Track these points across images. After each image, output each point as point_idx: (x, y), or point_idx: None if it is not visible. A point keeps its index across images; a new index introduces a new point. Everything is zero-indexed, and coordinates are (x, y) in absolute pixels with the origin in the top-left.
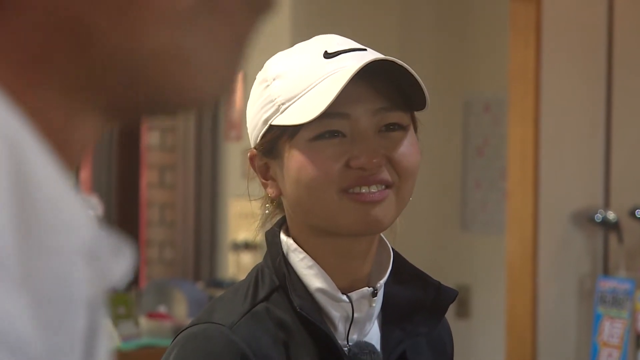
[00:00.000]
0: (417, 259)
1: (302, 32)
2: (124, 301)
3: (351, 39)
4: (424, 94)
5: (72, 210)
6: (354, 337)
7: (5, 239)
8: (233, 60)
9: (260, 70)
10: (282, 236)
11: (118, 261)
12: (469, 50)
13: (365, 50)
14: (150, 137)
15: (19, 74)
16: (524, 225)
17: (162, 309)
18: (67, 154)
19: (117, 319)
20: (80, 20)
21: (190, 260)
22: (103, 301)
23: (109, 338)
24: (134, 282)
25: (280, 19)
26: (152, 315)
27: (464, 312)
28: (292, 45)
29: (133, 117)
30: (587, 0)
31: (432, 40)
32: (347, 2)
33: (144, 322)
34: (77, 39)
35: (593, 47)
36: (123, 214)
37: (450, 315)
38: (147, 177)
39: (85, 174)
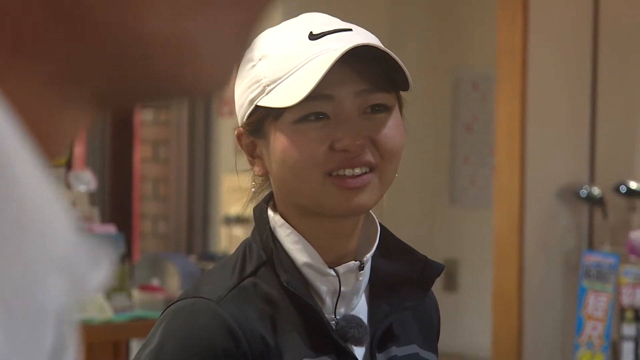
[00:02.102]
0: (406, 233)
1: (292, 11)
2: (118, 274)
3: (342, 17)
4: (406, 75)
5: (52, 216)
6: (341, 310)
7: None
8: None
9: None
10: (270, 212)
11: (95, 270)
12: (458, 28)
13: (351, 30)
14: (144, 113)
15: (2, 59)
16: (511, 200)
17: (155, 282)
18: (51, 144)
19: (110, 291)
20: None
21: (183, 234)
22: (74, 312)
23: (77, 352)
24: (128, 255)
25: None
26: (145, 287)
27: (451, 286)
28: (282, 20)
29: (127, 105)
30: None
31: (422, 18)
32: None
33: (137, 294)
34: (69, 18)
35: (579, 24)
36: (117, 189)
37: (438, 288)
38: (141, 152)
39: (79, 149)
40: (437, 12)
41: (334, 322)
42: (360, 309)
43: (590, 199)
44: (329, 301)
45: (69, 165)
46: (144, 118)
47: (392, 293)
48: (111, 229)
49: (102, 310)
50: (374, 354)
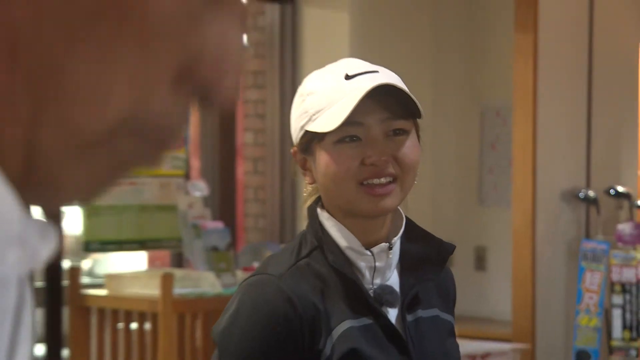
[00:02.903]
0: (447, 226)
1: (356, 53)
2: (225, 259)
3: (393, 59)
4: (418, 107)
5: (3, 206)
6: (377, 281)
7: None
8: (95, 192)
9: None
10: (319, 210)
11: (44, 244)
12: (484, 70)
13: (377, 72)
14: (246, 137)
15: None
16: (525, 201)
17: (255, 264)
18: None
19: (219, 271)
20: (9, 96)
21: (277, 228)
22: (29, 278)
23: (32, 307)
24: (233, 244)
25: (339, 40)
26: (246, 269)
27: (481, 267)
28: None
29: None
30: (571, 35)
31: (458, 62)
32: (388, 34)
33: (239, 274)
34: None
35: (577, 68)
36: (225, 194)
37: (471, 268)
38: (244, 167)
39: (195, 164)
40: (469, 58)
41: (371, 290)
42: (393, 281)
43: (587, 200)
44: (367, 275)
45: (187, 177)
46: (246, 140)
47: (416, 268)
48: (220, 225)
49: (213, 286)
50: (404, 315)
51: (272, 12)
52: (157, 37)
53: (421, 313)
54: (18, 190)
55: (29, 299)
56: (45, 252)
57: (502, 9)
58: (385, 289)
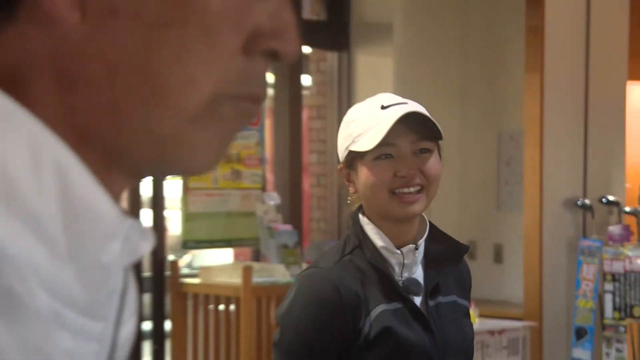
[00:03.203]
0: (471, 228)
1: (398, 90)
2: (293, 254)
3: (428, 95)
4: (440, 130)
5: (103, 208)
6: (405, 275)
7: (55, 227)
8: (221, 151)
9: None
10: (360, 215)
11: (144, 242)
12: (501, 103)
13: (407, 103)
14: (311, 157)
15: (74, 136)
16: (534, 207)
17: None
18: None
19: (288, 264)
20: (117, 107)
21: (335, 229)
22: (132, 267)
23: (137, 292)
24: (300, 243)
25: (384, 80)
26: (310, 262)
27: (499, 260)
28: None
29: (144, 177)
30: (570, 74)
31: (480, 97)
32: (423, 75)
33: (305, 266)
34: (113, 120)
35: (575, 101)
36: (294, 203)
37: (490, 262)
38: (309, 181)
39: (270, 178)
40: (488, 93)
41: (400, 282)
42: (418, 274)
43: (584, 207)
44: (397, 269)
45: (263, 189)
46: (311, 160)
47: (437, 264)
48: (289, 227)
49: (284, 276)
50: (427, 301)
51: (332, 58)
52: (216, 27)
53: (441, 299)
54: (156, 170)
55: (132, 285)
56: (144, 248)
57: (516, 53)
58: (412, 281)
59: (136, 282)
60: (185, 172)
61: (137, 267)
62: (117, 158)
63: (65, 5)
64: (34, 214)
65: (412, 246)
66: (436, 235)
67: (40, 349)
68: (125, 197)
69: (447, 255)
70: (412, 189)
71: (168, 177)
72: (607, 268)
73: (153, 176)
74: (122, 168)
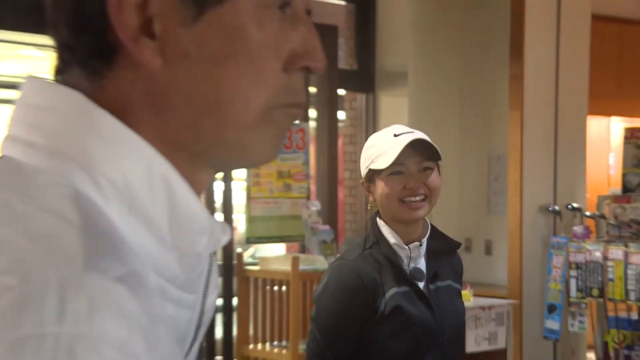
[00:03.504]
0: (467, 228)
1: (412, 123)
2: (330, 248)
3: (435, 125)
4: (439, 153)
5: (197, 211)
6: (412, 265)
7: (163, 221)
8: (276, 146)
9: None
10: (377, 219)
11: (224, 235)
12: (491, 132)
13: (413, 132)
14: (345, 174)
15: (151, 138)
16: (516, 212)
17: None
18: (195, 190)
19: (326, 256)
20: (195, 124)
21: (362, 228)
22: (216, 254)
23: (217, 273)
24: (335, 239)
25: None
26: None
27: (489, 252)
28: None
29: (222, 171)
30: (544, 110)
31: (474, 127)
32: (431, 110)
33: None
34: (193, 134)
35: (548, 132)
36: (331, 209)
37: (482, 254)
38: (343, 192)
39: (313, 189)
40: (481, 124)
41: (408, 270)
42: (422, 264)
43: (554, 212)
44: (406, 261)
45: (308, 198)
46: (345, 176)
47: (436, 256)
48: (327, 227)
49: (323, 264)
50: (429, 285)
51: (361, 99)
52: (260, 56)
53: (439, 283)
54: (228, 166)
55: (215, 267)
56: (224, 240)
57: (502, 95)
58: (417, 270)
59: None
60: (250, 165)
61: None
62: (199, 160)
63: (150, 54)
64: (149, 216)
65: (417, 243)
66: (436, 234)
67: (156, 315)
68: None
69: (444, 250)
70: (417, 198)
71: (237, 169)
72: (572, 259)
73: (227, 170)
74: (203, 166)
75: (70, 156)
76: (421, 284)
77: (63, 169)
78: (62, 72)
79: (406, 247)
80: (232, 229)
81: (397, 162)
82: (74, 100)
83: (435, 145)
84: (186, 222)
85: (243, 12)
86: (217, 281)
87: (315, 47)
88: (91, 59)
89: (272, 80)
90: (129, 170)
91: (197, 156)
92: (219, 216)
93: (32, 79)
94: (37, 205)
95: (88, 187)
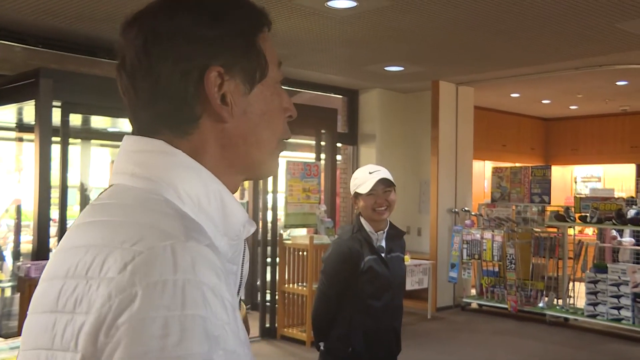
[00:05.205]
0: (408, 221)
1: (379, 162)
2: (331, 232)
3: (392, 164)
4: (393, 182)
5: (238, 212)
6: (378, 244)
7: (218, 218)
8: (278, 166)
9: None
10: (360, 217)
11: (251, 227)
12: (421, 167)
13: (380, 170)
14: (340, 189)
15: (218, 164)
16: (434, 212)
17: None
18: (233, 189)
19: (329, 235)
20: (246, 154)
21: (350, 221)
22: (246, 240)
23: (248, 250)
24: (334, 227)
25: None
26: (337, 235)
27: (420, 234)
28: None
29: (248, 180)
30: (450, 153)
31: (412, 165)
32: (389, 155)
33: (336, 237)
34: (245, 160)
35: (451, 167)
36: (332, 209)
37: (416, 235)
38: (339, 200)
39: (322, 199)
40: (415, 164)
41: (376, 246)
42: (384, 243)
43: (455, 212)
44: (375, 241)
45: (319, 203)
46: (341, 191)
47: (391, 239)
48: (330, 220)
49: (327, 241)
50: (387, 255)
51: (350, 148)
52: (276, 113)
53: (392, 255)
54: (254, 176)
55: (247, 247)
56: (252, 230)
57: (428, 146)
58: (380, 247)
59: (260, 244)
60: (265, 177)
61: (265, 238)
62: (243, 173)
63: (227, 113)
64: (209, 214)
65: (382, 232)
66: (391, 226)
67: (226, 271)
68: (261, 207)
69: (395, 235)
70: (382, 208)
71: (256, 179)
72: (464, 237)
73: (250, 179)
74: (242, 176)
75: (159, 179)
76: (383, 255)
77: (155, 187)
78: (144, 133)
79: (376, 234)
80: (277, 219)
81: (371, 188)
82: (160, 145)
83: (391, 179)
84: (232, 219)
85: (270, 87)
86: (248, 256)
87: (292, 105)
88: (182, 123)
89: (281, 126)
90: (195, 187)
91: (242, 171)
92: (268, 214)
93: (128, 136)
94: (150, 207)
95: (172, 197)
